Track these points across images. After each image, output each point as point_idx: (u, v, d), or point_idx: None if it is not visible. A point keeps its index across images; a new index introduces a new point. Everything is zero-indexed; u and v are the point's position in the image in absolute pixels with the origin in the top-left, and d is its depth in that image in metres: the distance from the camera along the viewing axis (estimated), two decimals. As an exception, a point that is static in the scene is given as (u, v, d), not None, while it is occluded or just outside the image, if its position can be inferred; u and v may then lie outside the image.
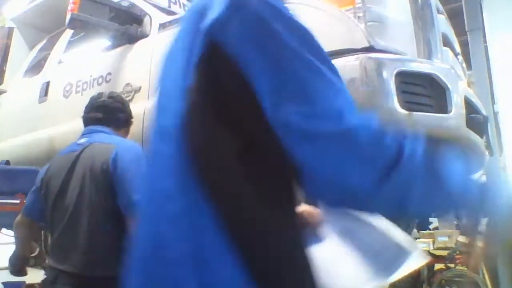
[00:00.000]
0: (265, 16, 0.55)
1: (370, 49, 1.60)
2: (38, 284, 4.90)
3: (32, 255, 1.90)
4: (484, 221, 0.57)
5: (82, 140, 1.71)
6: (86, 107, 1.85)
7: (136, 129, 2.24)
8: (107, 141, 1.65)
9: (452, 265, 5.34)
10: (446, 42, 1.98)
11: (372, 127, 0.54)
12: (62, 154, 1.75)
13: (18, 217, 1.86)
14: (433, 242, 5.57)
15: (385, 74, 1.54)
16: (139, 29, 2.59)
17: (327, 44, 1.73)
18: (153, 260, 0.57)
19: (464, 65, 2.34)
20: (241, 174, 0.54)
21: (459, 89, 1.66)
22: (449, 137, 1.63)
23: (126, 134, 1.85)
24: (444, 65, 1.72)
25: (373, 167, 0.52)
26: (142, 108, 2.28)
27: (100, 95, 1.87)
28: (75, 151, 1.67)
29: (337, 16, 1.69)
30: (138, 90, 2.38)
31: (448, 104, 1.58)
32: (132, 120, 1.87)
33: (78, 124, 2.73)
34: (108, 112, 1.80)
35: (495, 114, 5.84)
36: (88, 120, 1.82)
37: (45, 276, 1.57)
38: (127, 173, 1.51)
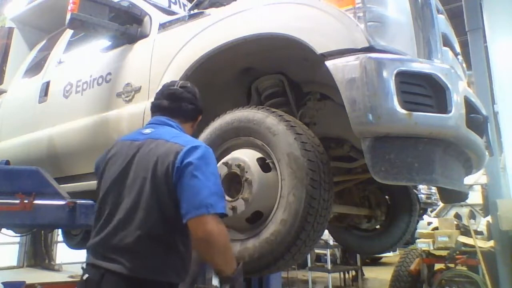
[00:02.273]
0: None
1: (370, 49, 1.60)
2: (40, 284, 4.92)
3: None
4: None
5: (147, 131, 1.58)
6: (157, 94, 1.73)
7: (136, 129, 2.25)
8: (174, 140, 1.49)
9: (452, 265, 5.34)
10: (446, 42, 1.98)
11: None
12: (124, 139, 1.61)
13: None
14: (433, 242, 5.58)
15: (385, 74, 1.54)
16: (139, 29, 2.59)
17: (328, 44, 1.74)
18: None
19: (464, 65, 2.34)
20: None
21: (459, 89, 1.66)
22: (449, 137, 1.63)
23: (192, 128, 1.73)
24: (444, 65, 1.72)
25: None
26: (142, 108, 2.28)
27: (173, 82, 1.75)
28: (138, 140, 1.55)
29: (337, 16, 1.69)
30: (138, 90, 2.38)
31: (448, 104, 1.58)
32: (200, 117, 1.75)
33: (78, 124, 2.75)
34: (176, 102, 1.67)
35: (495, 114, 5.85)
36: (156, 108, 1.69)
37: (87, 275, 1.44)
38: (193, 179, 1.39)
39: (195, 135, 2.01)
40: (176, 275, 1.44)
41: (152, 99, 2.21)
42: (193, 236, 1.42)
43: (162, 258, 1.41)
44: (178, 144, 1.45)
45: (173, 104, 1.66)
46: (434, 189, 8.86)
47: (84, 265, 1.48)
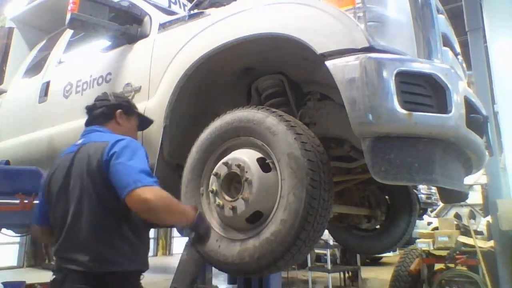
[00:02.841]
0: None
1: (370, 49, 1.60)
2: (40, 284, 4.92)
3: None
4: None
5: (79, 141, 1.77)
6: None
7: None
8: (101, 139, 1.70)
9: (452, 265, 5.34)
10: (446, 42, 1.98)
11: None
12: (63, 155, 1.79)
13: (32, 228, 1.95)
14: (433, 242, 5.58)
15: (385, 74, 1.54)
16: (139, 29, 2.59)
17: (328, 44, 1.75)
18: None
19: (464, 65, 2.34)
20: None
21: (459, 89, 1.66)
22: (449, 137, 1.63)
23: (119, 124, 1.89)
24: (444, 65, 1.72)
25: None
26: (142, 108, 2.28)
27: (96, 97, 1.97)
28: (73, 152, 1.72)
29: (337, 16, 1.69)
30: (138, 90, 2.38)
31: (448, 104, 1.58)
32: (120, 111, 1.90)
33: (78, 124, 2.75)
34: (92, 111, 1.89)
35: (495, 114, 5.85)
36: (85, 124, 1.91)
37: (53, 277, 1.61)
38: (118, 165, 1.55)
39: (196, 135, 2.02)
40: (129, 262, 1.56)
41: (153, 99, 2.22)
42: (135, 212, 1.53)
43: (113, 249, 1.54)
44: (105, 142, 1.65)
45: (91, 114, 1.89)
46: (434, 189, 8.86)
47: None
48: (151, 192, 1.49)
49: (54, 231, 1.69)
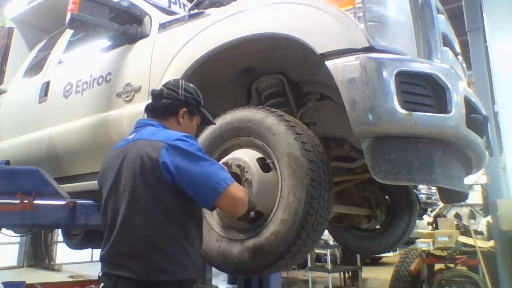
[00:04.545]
0: None
1: (370, 49, 1.60)
2: (40, 284, 4.92)
3: None
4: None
5: (131, 136, 1.63)
6: None
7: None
8: (153, 137, 1.52)
9: (452, 265, 5.34)
10: (446, 42, 1.98)
11: None
12: (114, 149, 1.66)
13: None
14: (433, 242, 5.58)
15: (385, 74, 1.54)
16: (139, 29, 2.59)
17: (328, 44, 1.74)
18: None
19: (464, 65, 2.34)
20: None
21: (459, 89, 1.66)
22: (449, 137, 1.63)
23: (179, 123, 1.70)
24: (444, 65, 1.72)
25: None
26: (142, 108, 2.28)
27: (166, 83, 1.80)
28: (123, 147, 1.59)
29: (337, 16, 1.70)
30: (138, 90, 2.38)
31: (448, 104, 1.58)
32: (184, 110, 1.71)
33: (78, 124, 2.75)
34: (156, 100, 1.71)
35: (495, 114, 5.85)
36: (145, 110, 1.77)
37: (102, 284, 1.50)
38: (188, 174, 1.44)
39: (196, 135, 2.01)
40: (184, 270, 1.46)
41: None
42: (227, 212, 1.60)
43: (168, 256, 1.42)
44: (158, 141, 1.49)
45: (154, 103, 1.72)
46: (434, 189, 8.86)
47: (100, 274, 1.53)
48: (237, 190, 1.49)
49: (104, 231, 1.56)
